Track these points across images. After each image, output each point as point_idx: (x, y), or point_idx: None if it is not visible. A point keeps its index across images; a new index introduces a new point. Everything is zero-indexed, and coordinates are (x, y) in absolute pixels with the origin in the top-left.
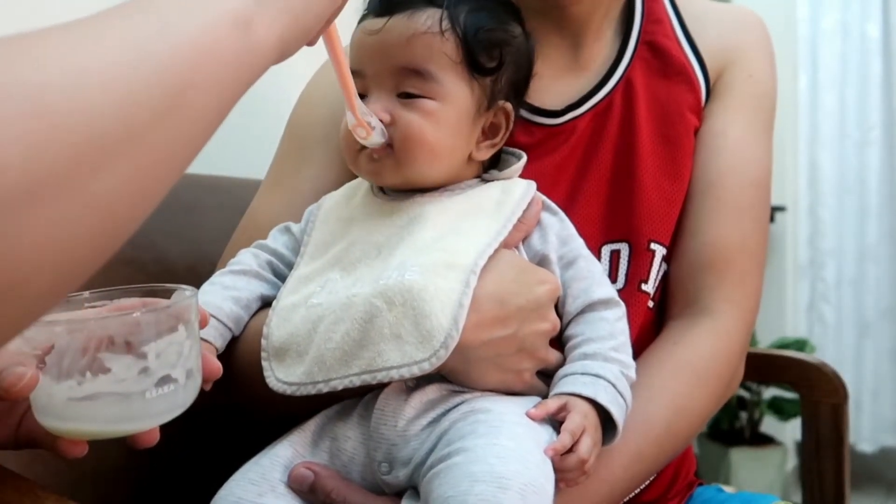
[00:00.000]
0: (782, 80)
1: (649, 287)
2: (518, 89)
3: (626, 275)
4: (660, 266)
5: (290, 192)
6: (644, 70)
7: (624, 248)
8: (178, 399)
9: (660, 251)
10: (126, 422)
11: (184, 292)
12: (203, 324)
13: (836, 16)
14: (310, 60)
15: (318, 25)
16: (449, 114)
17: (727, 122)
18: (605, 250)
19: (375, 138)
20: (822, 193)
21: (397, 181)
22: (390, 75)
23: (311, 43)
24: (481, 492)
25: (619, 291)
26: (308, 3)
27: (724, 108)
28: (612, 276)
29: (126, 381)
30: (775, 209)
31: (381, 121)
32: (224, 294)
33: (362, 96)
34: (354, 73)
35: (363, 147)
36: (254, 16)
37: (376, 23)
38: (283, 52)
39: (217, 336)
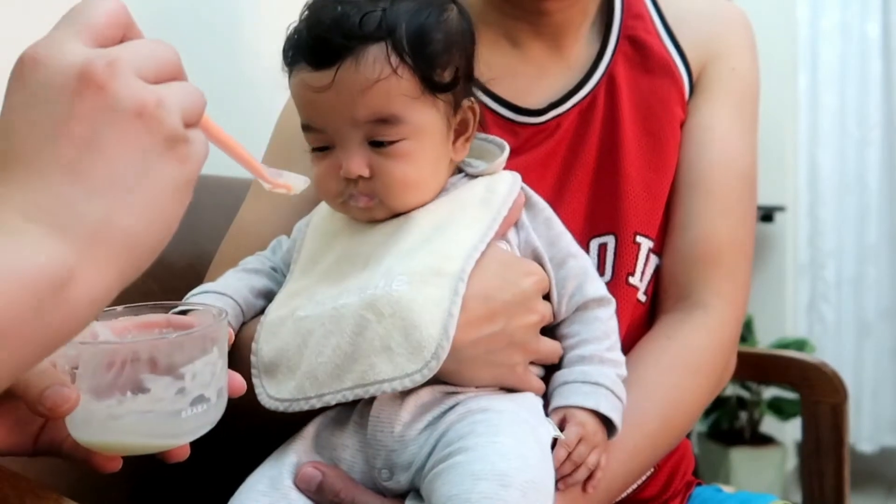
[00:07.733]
0: (782, 80)
1: (637, 280)
2: (470, 69)
3: (613, 268)
4: (646, 259)
5: (276, 199)
6: (626, 65)
7: (610, 241)
8: (210, 416)
9: (646, 244)
10: (161, 438)
11: (211, 310)
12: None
13: (835, 16)
14: None
15: (160, 244)
16: (426, 146)
17: (713, 115)
18: (594, 244)
19: (299, 187)
20: (822, 193)
21: (392, 216)
22: (355, 128)
23: None
24: (484, 489)
25: (607, 284)
26: (141, 237)
27: (710, 101)
28: (600, 270)
29: (164, 401)
30: (775, 209)
31: (361, 176)
32: (239, 284)
33: (326, 148)
34: (311, 129)
35: (348, 199)
36: (72, 274)
37: (322, 77)
38: (123, 283)
39: (232, 317)
